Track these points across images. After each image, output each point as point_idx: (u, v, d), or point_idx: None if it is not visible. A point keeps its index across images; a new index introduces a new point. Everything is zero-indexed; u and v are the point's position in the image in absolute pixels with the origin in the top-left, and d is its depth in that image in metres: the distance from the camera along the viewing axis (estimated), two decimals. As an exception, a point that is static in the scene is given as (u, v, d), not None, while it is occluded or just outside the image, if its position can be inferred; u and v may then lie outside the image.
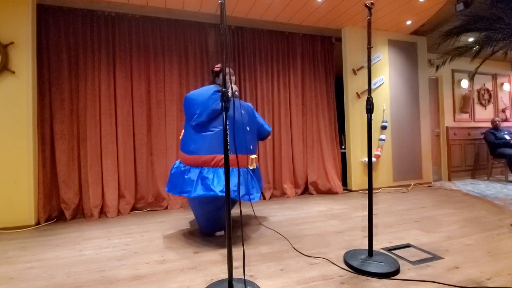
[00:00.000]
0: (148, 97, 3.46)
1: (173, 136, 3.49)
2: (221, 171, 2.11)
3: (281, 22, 3.96)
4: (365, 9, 1.79)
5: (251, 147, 2.35)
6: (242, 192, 2.10)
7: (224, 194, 1.98)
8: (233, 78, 2.52)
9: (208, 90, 2.31)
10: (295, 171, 4.03)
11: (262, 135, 2.67)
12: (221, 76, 2.42)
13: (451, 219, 2.71)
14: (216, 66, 2.47)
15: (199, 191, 2.05)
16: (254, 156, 2.37)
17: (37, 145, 2.95)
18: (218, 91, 2.29)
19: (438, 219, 2.72)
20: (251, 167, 2.33)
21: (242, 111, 2.36)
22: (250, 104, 2.64)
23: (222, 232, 2.41)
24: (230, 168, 2.04)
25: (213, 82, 2.49)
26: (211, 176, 2.08)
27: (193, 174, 2.15)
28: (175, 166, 2.37)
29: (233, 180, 2.08)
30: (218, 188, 1.99)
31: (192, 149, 2.23)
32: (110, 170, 3.21)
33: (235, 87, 2.34)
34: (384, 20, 4.01)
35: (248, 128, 2.36)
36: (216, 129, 2.21)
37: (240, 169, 2.18)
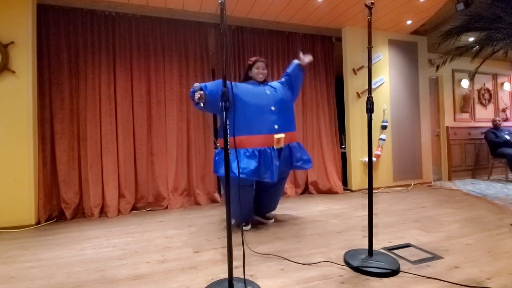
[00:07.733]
0: (148, 96, 3.46)
1: (173, 135, 3.48)
2: (241, 152, 2.28)
3: (281, 22, 3.96)
4: (365, 9, 1.78)
5: (276, 126, 2.36)
6: (261, 173, 2.25)
7: (236, 175, 2.10)
8: (265, 71, 2.61)
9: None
10: (295, 171, 4.02)
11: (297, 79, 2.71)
12: (253, 69, 2.56)
13: (451, 218, 2.71)
14: (250, 59, 2.60)
15: (221, 171, 2.30)
16: (279, 135, 2.35)
17: (37, 145, 2.95)
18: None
19: (438, 218, 2.72)
20: (276, 146, 2.35)
21: (268, 92, 2.47)
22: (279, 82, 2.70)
23: (248, 227, 2.54)
24: (240, 149, 2.27)
25: (247, 77, 2.62)
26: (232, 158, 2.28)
27: (222, 155, 2.38)
28: None
29: (248, 162, 2.22)
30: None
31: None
32: (110, 169, 3.21)
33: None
34: (384, 19, 4.01)
35: (273, 108, 2.40)
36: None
37: (261, 150, 2.28)
